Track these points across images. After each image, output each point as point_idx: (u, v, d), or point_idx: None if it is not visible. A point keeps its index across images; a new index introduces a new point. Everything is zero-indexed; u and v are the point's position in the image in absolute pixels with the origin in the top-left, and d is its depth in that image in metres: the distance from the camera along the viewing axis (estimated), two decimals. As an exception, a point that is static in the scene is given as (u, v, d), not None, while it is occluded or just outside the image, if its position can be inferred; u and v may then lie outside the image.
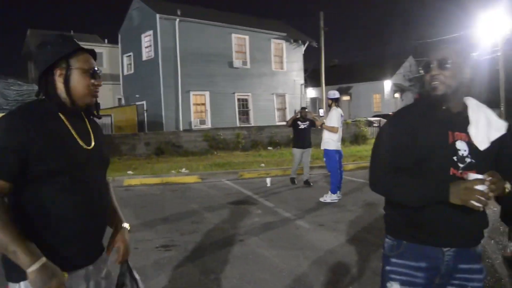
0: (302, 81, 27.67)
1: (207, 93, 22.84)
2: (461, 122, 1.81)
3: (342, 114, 8.08)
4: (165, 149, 17.09)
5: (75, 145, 1.70)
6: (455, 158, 1.76)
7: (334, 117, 7.86)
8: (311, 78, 31.57)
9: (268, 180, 10.09)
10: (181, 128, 21.21)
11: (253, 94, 24.65)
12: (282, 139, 20.01)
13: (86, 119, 1.85)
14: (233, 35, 24.13)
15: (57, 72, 1.71)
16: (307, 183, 9.66)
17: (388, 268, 1.89)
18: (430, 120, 1.80)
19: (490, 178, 1.60)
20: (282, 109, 26.40)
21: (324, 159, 8.21)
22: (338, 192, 7.88)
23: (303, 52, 27.82)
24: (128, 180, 10.67)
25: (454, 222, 1.75)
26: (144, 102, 22.63)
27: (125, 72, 25.34)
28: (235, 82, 23.87)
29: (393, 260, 1.87)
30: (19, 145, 1.54)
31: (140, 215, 7.10)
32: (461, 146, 1.77)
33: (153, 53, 22.23)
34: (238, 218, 6.76)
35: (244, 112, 24.50)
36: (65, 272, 1.55)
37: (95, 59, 1.84)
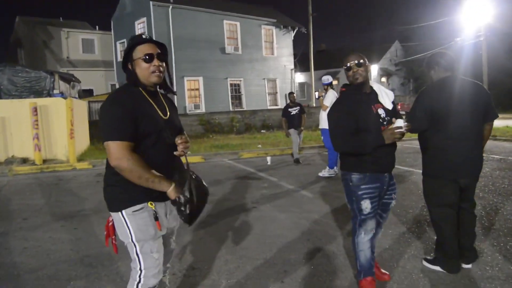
0: (292, 66, 28.34)
1: (200, 78, 23.39)
2: (374, 97, 3.12)
3: (337, 96, 8.82)
4: (163, 133, 17.64)
5: (157, 115, 2.30)
6: (380, 120, 3.06)
7: (329, 98, 8.58)
8: (300, 63, 32.27)
9: (268, 158, 10.84)
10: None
11: (245, 79, 25.28)
12: (275, 122, 20.72)
13: (161, 96, 2.47)
14: (225, 22, 24.62)
15: (129, 65, 2.35)
16: (297, 161, 10.43)
17: (359, 192, 3.10)
18: (358, 101, 3.05)
19: (405, 123, 2.92)
20: (273, 94, 27.08)
21: (322, 137, 8.98)
22: (335, 167, 8.64)
23: (292, 38, 28.42)
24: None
25: (388, 158, 3.11)
26: (139, 88, 23.08)
27: (119, 59, 25.69)
28: (227, 68, 24.45)
29: (362, 186, 3.08)
30: (131, 114, 2.16)
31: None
32: (381, 112, 3.08)
33: (147, 39, 22.61)
34: (247, 190, 7.51)
35: (236, 97, 25.14)
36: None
37: (161, 46, 2.38)
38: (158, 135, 2.27)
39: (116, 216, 2.30)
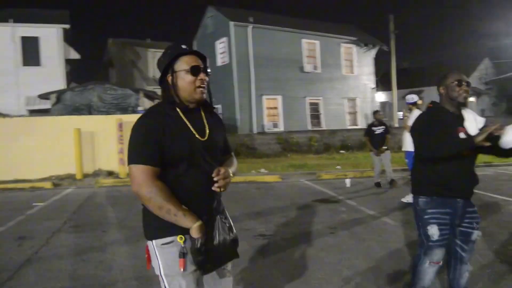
0: (373, 85, 27.53)
1: (279, 97, 23.42)
2: (460, 120, 2.93)
3: None
4: (240, 151, 17.81)
5: (191, 136, 2.03)
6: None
7: (414, 118, 8.01)
8: (382, 82, 31.24)
9: (347, 181, 10.38)
10: (254, 131, 21.92)
11: (324, 98, 24.92)
12: (355, 143, 20.08)
13: (203, 114, 2.16)
14: (304, 40, 24.56)
15: (168, 78, 2.07)
16: (392, 183, 9.81)
17: (426, 216, 2.90)
18: (444, 120, 2.90)
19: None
20: (353, 113, 26.40)
21: (406, 160, 8.39)
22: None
23: (373, 56, 27.68)
24: (212, 178, 11.35)
25: (461, 181, 2.85)
26: (219, 106, 23.63)
27: (200, 78, 26.56)
28: (306, 87, 24.27)
29: (429, 210, 2.88)
30: (156, 136, 1.94)
31: (234, 209, 7.69)
32: (462, 136, 2.85)
33: (228, 59, 23.18)
34: (324, 214, 7.16)
35: (315, 116, 24.82)
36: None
37: (203, 59, 2.10)
38: (192, 160, 2.02)
39: (149, 244, 2.10)
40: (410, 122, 7.97)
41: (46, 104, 15.93)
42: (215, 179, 2.02)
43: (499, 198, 8.03)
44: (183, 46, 2.11)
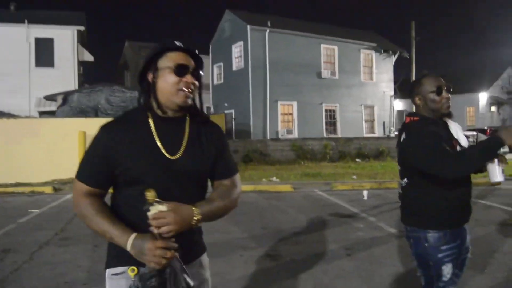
0: (392, 93, 26.73)
1: (294, 103, 22.82)
2: (449, 132, 2.46)
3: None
4: (253, 157, 17.24)
5: (156, 154, 1.59)
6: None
7: None
8: (400, 89, 30.33)
9: (365, 192, 9.69)
10: (268, 137, 21.35)
11: (341, 105, 24.22)
12: (371, 151, 19.35)
13: (188, 125, 1.69)
14: (322, 46, 23.96)
15: (149, 76, 1.64)
16: None
17: (440, 255, 2.35)
18: (443, 131, 2.38)
19: None
20: (371, 121, 25.64)
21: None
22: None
23: (393, 63, 26.91)
24: (221, 187, 10.78)
25: (468, 204, 2.42)
26: (233, 111, 23.12)
27: (215, 82, 26.14)
28: (323, 93, 23.63)
29: (443, 247, 2.34)
30: (104, 156, 1.57)
31: (241, 222, 7.09)
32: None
33: (243, 63, 22.68)
34: (340, 231, 6.50)
35: (331, 123, 24.14)
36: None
37: (196, 59, 1.68)
38: (155, 183, 1.52)
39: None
40: None
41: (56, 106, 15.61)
42: (151, 218, 1.46)
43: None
44: (177, 43, 1.66)
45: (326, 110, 23.97)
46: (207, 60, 28.45)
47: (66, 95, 13.01)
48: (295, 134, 22.29)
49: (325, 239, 6.02)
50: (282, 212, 8.08)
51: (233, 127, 22.55)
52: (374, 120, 25.65)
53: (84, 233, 6.40)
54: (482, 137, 23.97)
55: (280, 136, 21.64)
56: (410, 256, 2.84)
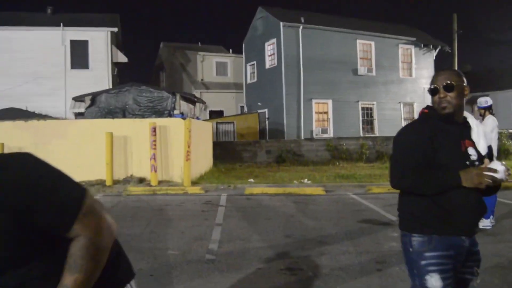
0: (433, 89, 25.51)
1: (329, 101, 22.13)
2: (467, 131, 2.24)
3: (497, 124, 6.81)
4: (286, 158, 16.74)
5: None
6: (467, 162, 2.15)
7: (489, 125, 6.61)
8: (443, 85, 28.98)
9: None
10: (302, 137, 20.78)
11: (378, 103, 23.28)
12: (411, 151, 18.41)
13: None
14: (358, 41, 23.13)
15: None
16: None
17: (423, 262, 2.16)
18: (445, 130, 2.18)
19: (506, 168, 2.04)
20: (410, 119, 24.51)
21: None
22: (492, 217, 6.54)
23: (434, 58, 25.67)
24: (249, 189, 10.38)
25: (467, 214, 2.14)
26: (266, 110, 22.67)
27: (248, 81, 25.77)
28: (359, 90, 22.81)
29: (428, 254, 2.15)
30: None
31: (263, 229, 6.63)
32: (472, 152, 2.19)
33: (276, 61, 22.19)
34: (371, 241, 5.90)
35: (368, 122, 23.27)
36: None
37: None
38: None
39: None
40: (486, 129, 6.56)
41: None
42: None
43: None
44: None
45: (362, 108, 23.14)
46: (240, 59, 28.18)
47: (94, 96, 12.94)
48: (330, 134, 21.59)
49: (354, 251, 5.45)
50: (310, 218, 7.54)
51: (267, 127, 22.10)
52: (413, 118, 24.52)
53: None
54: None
55: (314, 136, 21.03)
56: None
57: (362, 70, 22.89)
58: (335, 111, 22.18)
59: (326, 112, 22.21)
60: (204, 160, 14.01)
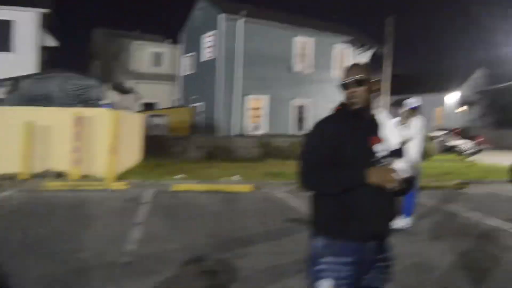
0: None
1: (265, 98, 22.17)
2: (374, 127, 2.16)
3: (425, 125, 7.00)
4: (217, 154, 16.52)
5: None
6: (373, 159, 2.05)
7: (417, 127, 6.72)
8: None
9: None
10: (236, 133, 20.64)
11: (313, 101, 23.61)
12: (341, 150, 18.88)
13: None
14: (296, 38, 23.30)
15: None
16: None
17: (317, 268, 2.08)
18: (353, 127, 2.11)
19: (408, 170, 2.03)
20: (343, 118, 25.24)
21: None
22: (410, 217, 6.70)
23: (369, 59, 26.51)
24: (177, 185, 10.07)
25: (378, 216, 2.05)
26: (201, 104, 22.30)
27: (184, 73, 25.20)
28: (294, 88, 23.03)
29: (325, 259, 2.06)
30: None
31: (187, 228, 6.42)
32: (379, 149, 2.09)
33: (214, 53, 21.84)
34: (295, 241, 5.85)
35: (302, 119, 23.56)
36: None
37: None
38: None
39: None
40: (412, 131, 6.69)
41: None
42: None
43: (498, 226, 6.79)
44: None
45: (297, 106, 23.40)
46: (177, 50, 27.53)
47: (15, 81, 11.96)
48: (264, 130, 21.65)
49: (277, 251, 5.38)
50: (236, 216, 7.40)
51: (201, 121, 21.75)
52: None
53: None
54: (450, 137, 23.87)
55: (248, 132, 20.97)
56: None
57: (298, 67, 23.12)
58: (270, 107, 22.25)
59: (260, 109, 22.23)
60: (132, 154, 13.45)
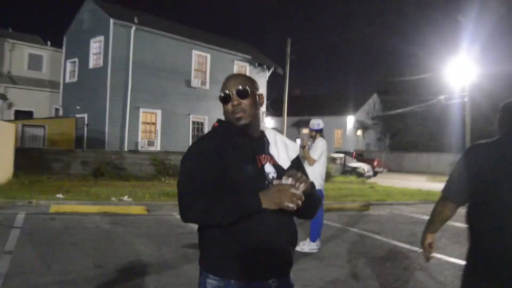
0: (264, 109, 26.26)
1: (159, 112, 20.79)
2: (261, 145, 1.91)
3: (326, 147, 6.60)
4: (105, 171, 14.82)
5: None
6: (266, 181, 1.80)
7: (319, 149, 6.35)
8: (273, 107, 30.22)
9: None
10: (126, 148, 18.94)
11: (210, 118, 22.77)
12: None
13: None
14: (194, 52, 22.49)
15: None
16: None
17: None
18: (236, 145, 1.84)
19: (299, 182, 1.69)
20: (240, 136, 24.76)
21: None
22: (318, 240, 6.24)
23: (267, 78, 26.58)
24: (56, 206, 8.43)
25: (277, 250, 1.77)
26: (86, 115, 20.12)
27: (67, 80, 22.66)
28: (191, 103, 22.04)
29: None
30: None
31: (68, 258, 5.17)
32: (269, 169, 1.84)
33: (102, 61, 19.96)
34: (195, 269, 4.78)
35: (199, 136, 22.58)
36: None
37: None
38: None
39: None
40: (315, 154, 6.29)
41: None
42: None
43: (406, 248, 6.48)
44: None
45: (193, 122, 22.38)
46: (60, 54, 24.85)
47: None
48: (158, 147, 20.22)
49: (176, 282, 4.46)
50: (127, 242, 6.18)
51: (85, 134, 19.57)
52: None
53: None
54: (349, 159, 24.66)
55: (140, 148, 19.41)
56: None
57: (195, 82, 22.20)
58: (164, 122, 20.93)
59: (154, 123, 20.77)
60: (2, 169, 11.32)
